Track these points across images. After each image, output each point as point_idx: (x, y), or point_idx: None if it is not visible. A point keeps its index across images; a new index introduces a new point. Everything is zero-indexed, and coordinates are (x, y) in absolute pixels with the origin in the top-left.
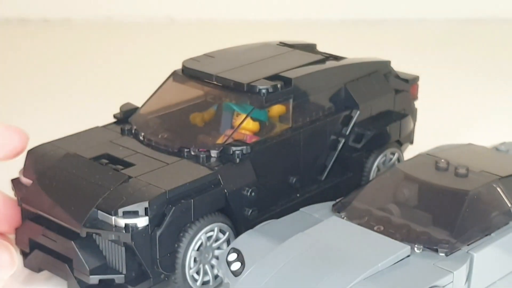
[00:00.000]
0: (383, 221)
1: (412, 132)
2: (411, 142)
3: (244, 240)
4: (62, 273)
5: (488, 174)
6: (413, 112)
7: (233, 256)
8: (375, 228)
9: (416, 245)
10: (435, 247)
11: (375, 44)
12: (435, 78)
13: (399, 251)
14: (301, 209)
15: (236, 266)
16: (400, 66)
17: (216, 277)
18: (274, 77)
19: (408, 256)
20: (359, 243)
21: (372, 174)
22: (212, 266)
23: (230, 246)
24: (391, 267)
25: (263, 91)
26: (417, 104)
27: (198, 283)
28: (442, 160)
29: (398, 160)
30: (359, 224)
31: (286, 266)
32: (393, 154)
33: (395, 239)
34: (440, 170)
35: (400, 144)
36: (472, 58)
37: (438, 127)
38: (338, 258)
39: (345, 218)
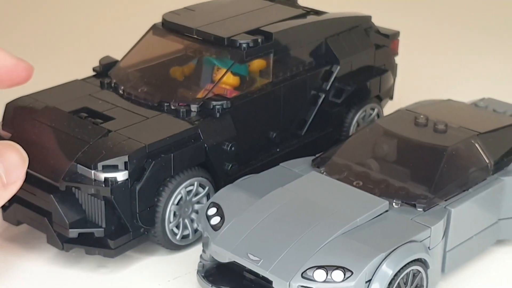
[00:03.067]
0: (362, 176)
1: (392, 87)
2: (391, 98)
3: (224, 195)
4: (41, 227)
5: (467, 130)
6: (393, 68)
7: (212, 211)
8: (354, 183)
9: (394, 200)
10: (413, 202)
11: None
12: (415, 34)
13: (377, 206)
14: (281, 164)
15: (215, 220)
16: (380, 21)
17: (195, 231)
18: (255, 31)
19: (387, 211)
20: (338, 198)
21: (352, 129)
22: (191, 220)
23: (210, 201)
24: (369, 222)
25: (244, 45)
26: (397, 59)
27: (178, 237)
28: (421, 116)
29: (378, 115)
30: (338, 179)
31: (266, 220)
32: (372, 109)
33: (374, 194)
34: (419, 125)
35: (380, 99)
36: (453, 14)
37: (418, 82)
38: (317, 213)
39: (324, 173)
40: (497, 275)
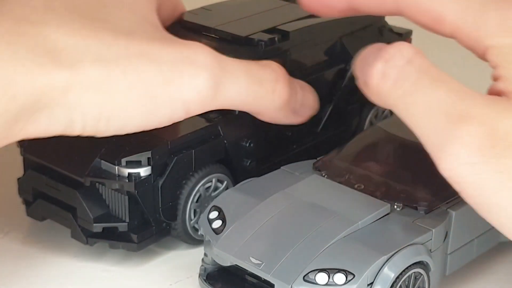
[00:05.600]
0: (364, 179)
1: None
2: None
3: (225, 198)
4: (65, 222)
5: None
6: None
7: (214, 214)
8: (356, 186)
9: (396, 203)
10: (414, 205)
11: None
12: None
13: (379, 209)
14: (282, 167)
15: (217, 224)
16: (393, 20)
17: None
18: (272, 30)
19: (388, 214)
20: (339, 201)
21: (365, 128)
22: None
23: (211, 204)
24: (371, 225)
25: (261, 43)
26: None
27: (199, 232)
28: None
29: (390, 113)
30: (339, 182)
31: (267, 224)
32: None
33: (375, 197)
34: None
35: None
36: None
37: None
38: (319, 216)
39: (325, 176)
40: (499, 277)
